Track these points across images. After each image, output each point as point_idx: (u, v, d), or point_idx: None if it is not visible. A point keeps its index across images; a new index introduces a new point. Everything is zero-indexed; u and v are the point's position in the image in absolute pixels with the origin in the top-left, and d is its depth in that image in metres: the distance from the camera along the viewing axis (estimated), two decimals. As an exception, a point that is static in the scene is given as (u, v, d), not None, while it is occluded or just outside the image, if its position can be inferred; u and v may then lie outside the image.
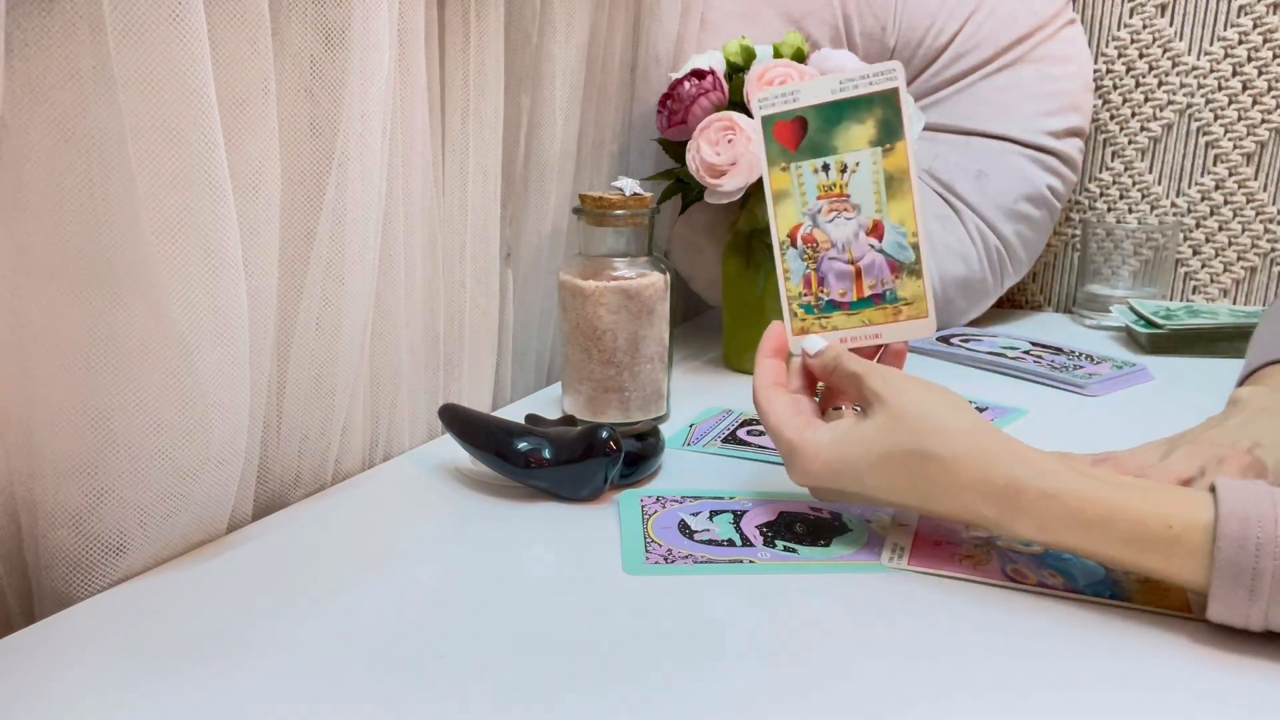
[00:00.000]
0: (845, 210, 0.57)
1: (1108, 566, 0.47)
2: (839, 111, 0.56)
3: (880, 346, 0.59)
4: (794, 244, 0.58)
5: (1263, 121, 1.09)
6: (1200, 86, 1.11)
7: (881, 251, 0.57)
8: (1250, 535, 0.42)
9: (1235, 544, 0.42)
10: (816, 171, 0.57)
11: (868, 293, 0.58)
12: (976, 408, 0.78)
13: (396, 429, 0.68)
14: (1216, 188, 1.13)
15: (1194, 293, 1.17)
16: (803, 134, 0.57)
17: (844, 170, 0.57)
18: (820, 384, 0.59)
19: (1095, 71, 1.16)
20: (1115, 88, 1.16)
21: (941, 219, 1.05)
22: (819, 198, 0.57)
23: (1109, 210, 1.19)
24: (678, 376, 0.88)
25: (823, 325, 0.59)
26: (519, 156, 0.79)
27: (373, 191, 0.59)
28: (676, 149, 0.88)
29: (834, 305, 0.58)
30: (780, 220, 0.58)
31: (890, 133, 0.56)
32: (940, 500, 0.49)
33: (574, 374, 0.73)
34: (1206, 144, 1.12)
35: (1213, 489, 0.44)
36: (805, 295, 0.59)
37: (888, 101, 0.55)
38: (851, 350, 0.56)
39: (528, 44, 0.76)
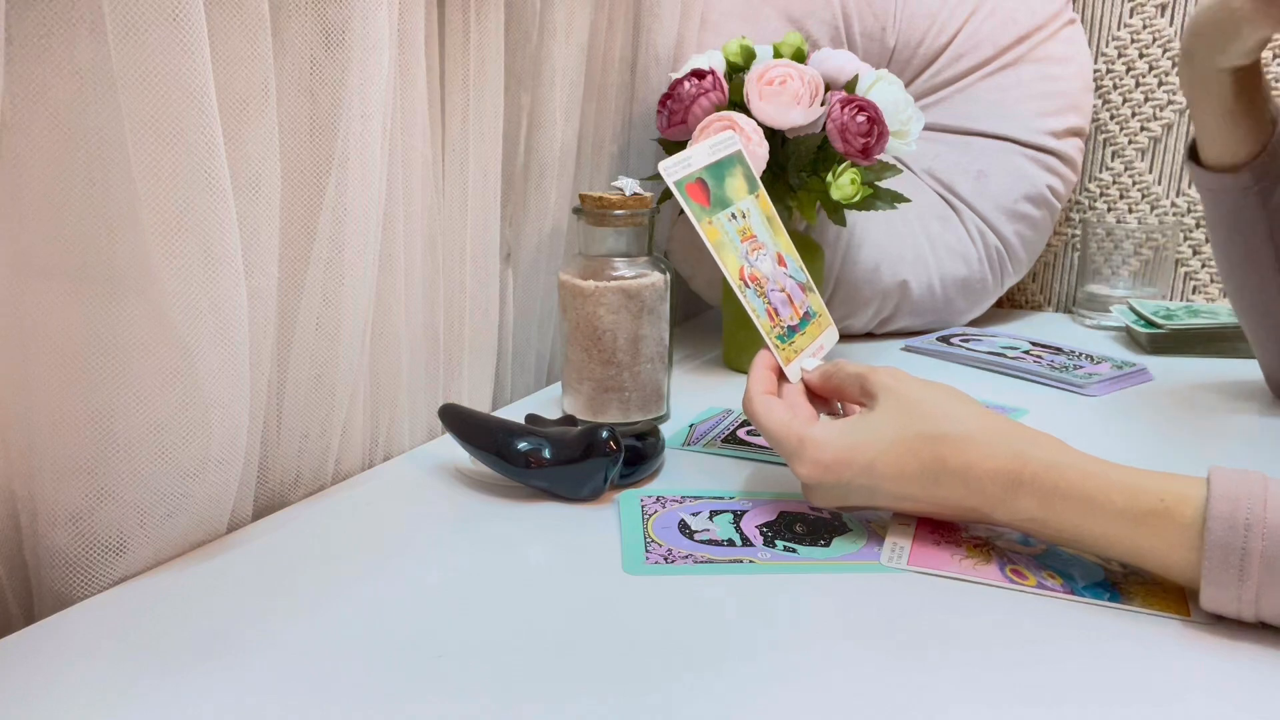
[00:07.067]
0: (759, 248, 0.64)
1: (1106, 551, 0.47)
2: (721, 169, 0.64)
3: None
4: (747, 284, 0.62)
5: (1263, 121, 1.09)
6: (1200, 86, 1.11)
7: (791, 277, 0.65)
8: (1239, 516, 0.42)
9: (1225, 524, 0.42)
10: (731, 219, 0.63)
11: (801, 312, 0.64)
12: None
13: (396, 429, 0.68)
14: (1216, 188, 1.13)
15: (1194, 293, 1.17)
16: (706, 191, 0.63)
17: (744, 216, 0.64)
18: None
19: (1095, 71, 1.16)
20: (1115, 88, 1.16)
21: (941, 219, 1.05)
22: (741, 241, 0.63)
23: (1109, 210, 1.19)
24: (678, 376, 0.88)
25: (796, 350, 0.62)
26: (519, 156, 0.79)
27: (373, 191, 0.59)
28: (676, 149, 0.88)
29: (792, 330, 0.63)
30: (728, 266, 0.62)
31: (754, 183, 0.66)
32: (946, 482, 0.50)
33: (574, 374, 0.73)
34: (1206, 144, 1.12)
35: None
36: (775, 327, 0.62)
37: (741, 160, 0.66)
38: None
39: (528, 44, 0.76)
